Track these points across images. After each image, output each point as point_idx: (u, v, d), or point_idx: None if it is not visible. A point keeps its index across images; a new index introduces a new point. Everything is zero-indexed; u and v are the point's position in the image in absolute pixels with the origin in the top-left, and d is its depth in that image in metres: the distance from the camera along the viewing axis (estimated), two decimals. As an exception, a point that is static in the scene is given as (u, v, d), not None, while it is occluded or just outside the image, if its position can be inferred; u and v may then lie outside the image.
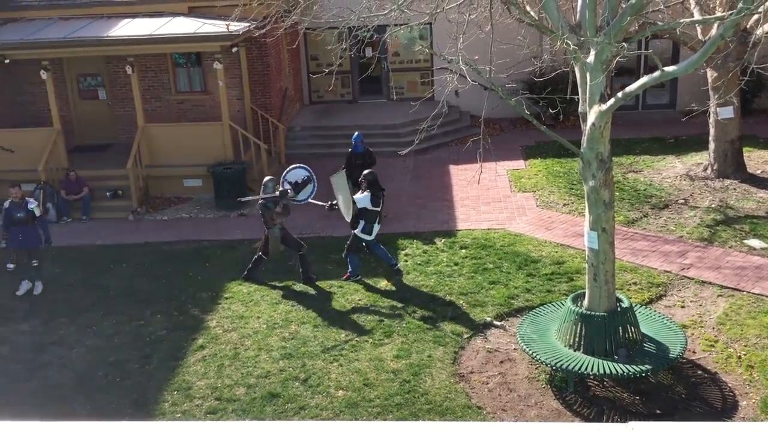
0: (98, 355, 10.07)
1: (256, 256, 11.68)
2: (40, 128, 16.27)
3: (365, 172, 11.64)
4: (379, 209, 11.37)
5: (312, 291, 11.42)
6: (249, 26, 14.10)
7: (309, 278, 11.58)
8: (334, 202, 11.50)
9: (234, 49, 15.82)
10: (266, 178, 11.68)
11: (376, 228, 11.47)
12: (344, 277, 11.62)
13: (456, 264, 11.96)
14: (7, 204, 11.68)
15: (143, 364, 9.77)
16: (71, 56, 16.35)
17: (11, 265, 11.83)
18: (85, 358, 10.03)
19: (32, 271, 11.86)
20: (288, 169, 12.05)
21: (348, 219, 11.36)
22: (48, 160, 15.42)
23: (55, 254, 12.62)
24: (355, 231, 11.42)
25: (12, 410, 8.66)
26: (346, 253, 11.58)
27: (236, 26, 14.33)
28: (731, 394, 8.56)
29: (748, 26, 13.31)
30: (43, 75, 15.37)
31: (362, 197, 11.30)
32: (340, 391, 8.92)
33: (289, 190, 11.58)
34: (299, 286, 11.55)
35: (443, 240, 12.87)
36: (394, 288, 11.36)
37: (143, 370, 9.66)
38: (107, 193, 15.61)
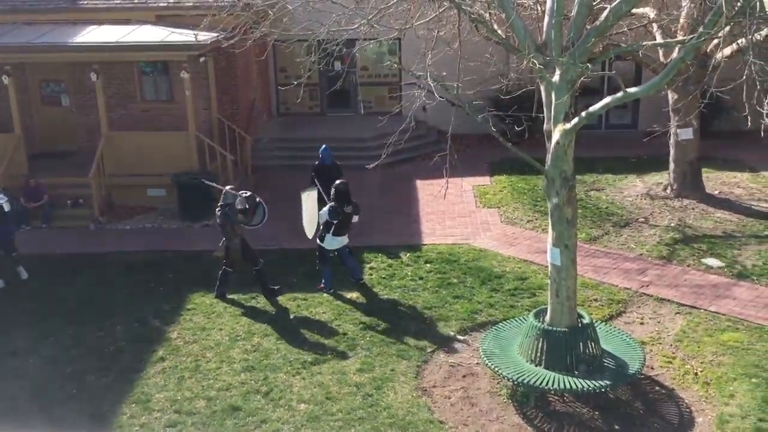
0: (55, 366, 9.87)
1: (221, 271, 11.54)
2: (1, 134, 15.94)
3: (337, 182, 11.66)
4: (335, 221, 11.35)
5: (275, 303, 11.35)
6: (217, 36, 14.03)
7: (270, 291, 11.51)
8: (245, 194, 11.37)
9: (202, 59, 15.73)
10: (226, 188, 11.56)
11: (330, 239, 11.42)
12: (318, 287, 11.66)
13: (420, 278, 12.00)
14: None
15: (101, 376, 9.60)
16: (34, 62, 16.10)
17: None
18: (42, 369, 9.81)
19: (12, 261, 12.30)
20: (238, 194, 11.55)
21: (309, 236, 11.44)
22: (8, 166, 15.11)
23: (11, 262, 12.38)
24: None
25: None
26: (318, 265, 11.66)
27: (204, 36, 14.26)
28: (688, 410, 8.72)
29: (708, 50, 13.66)
30: (5, 80, 15.11)
31: (324, 211, 11.38)
32: (302, 405, 8.86)
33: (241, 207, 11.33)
34: (262, 299, 11.47)
35: (408, 254, 12.91)
36: (358, 301, 11.36)
37: (101, 381, 9.49)
38: (68, 202, 15.33)
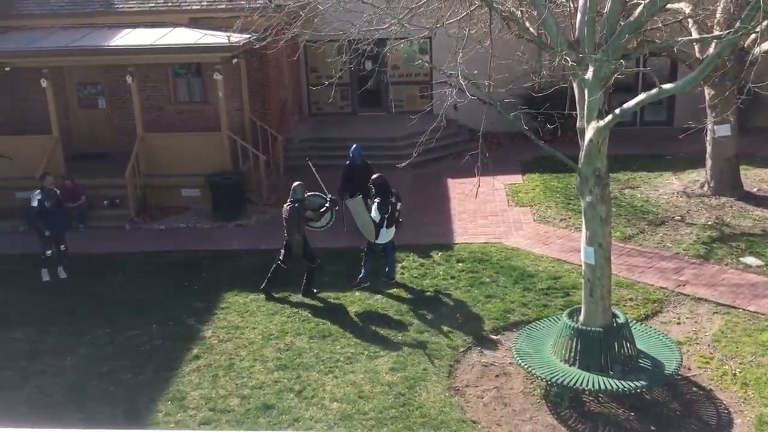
0: (91, 364, 10.04)
1: (275, 266, 11.57)
2: (39, 136, 16.26)
3: (373, 176, 11.78)
4: (385, 216, 11.45)
5: (308, 302, 11.41)
6: (249, 38, 14.15)
7: (310, 291, 11.56)
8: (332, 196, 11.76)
9: (234, 61, 15.86)
10: (295, 183, 11.58)
11: (384, 232, 11.57)
12: (353, 284, 11.70)
13: (452, 277, 11.97)
14: (39, 195, 12.41)
15: (137, 374, 9.74)
16: (71, 65, 16.39)
17: (50, 252, 12.51)
18: (78, 366, 10.00)
19: (60, 256, 12.62)
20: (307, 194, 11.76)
21: (373, 240, 11.56)
22: (46, 168, 15.39)
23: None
24: None
25: (4, 418, 8.61)
26: (364, 259, 11.76)
27: (237, 38, 14.38)
28: (726, 411, 8.56)
29: (745, 45, 13.40)
30: (43, 83, 15.41)
31: (375, 212, 11.47)
32: (335, 403, 8.90)
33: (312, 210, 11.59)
34: (296, 297, 11.53)
35: (440, 253, 12.88)
36: (390, 301, 11.36)
37: (137, 379, 9.63)
38: (105, 202, 15.60)
